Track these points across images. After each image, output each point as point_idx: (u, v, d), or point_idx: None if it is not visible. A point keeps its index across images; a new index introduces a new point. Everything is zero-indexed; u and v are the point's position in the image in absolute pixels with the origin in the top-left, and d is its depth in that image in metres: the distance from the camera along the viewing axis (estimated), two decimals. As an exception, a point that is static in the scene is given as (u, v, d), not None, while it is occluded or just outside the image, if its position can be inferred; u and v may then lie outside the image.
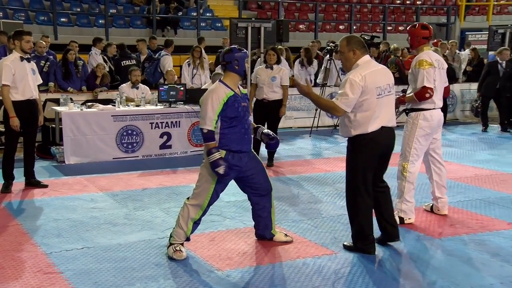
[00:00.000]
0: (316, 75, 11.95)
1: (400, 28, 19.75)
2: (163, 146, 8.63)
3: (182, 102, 8.80)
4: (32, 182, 6.67)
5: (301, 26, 18.19)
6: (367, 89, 4.32)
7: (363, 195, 4.47)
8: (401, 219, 5.33)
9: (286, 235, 4.91)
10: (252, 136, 4.69)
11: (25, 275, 4.14)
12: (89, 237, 4.97)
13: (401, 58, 12.22)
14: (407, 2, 21.32)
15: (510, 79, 11.06)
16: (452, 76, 10.59)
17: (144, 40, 11.58)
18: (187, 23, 16.38)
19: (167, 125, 8.61)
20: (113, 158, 8.26)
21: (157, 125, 8.54)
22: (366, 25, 19.34)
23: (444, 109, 7.48)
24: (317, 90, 10.24)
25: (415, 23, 5.83)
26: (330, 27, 18.82)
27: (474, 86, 12.22)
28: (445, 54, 12.02)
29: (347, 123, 4.46)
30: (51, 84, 9.74)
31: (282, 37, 12.45)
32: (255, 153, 4.73)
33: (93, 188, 6.66)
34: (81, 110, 8.26)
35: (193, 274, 4.19)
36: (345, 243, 4.75)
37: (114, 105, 8.55)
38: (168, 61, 10.71)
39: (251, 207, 4.80)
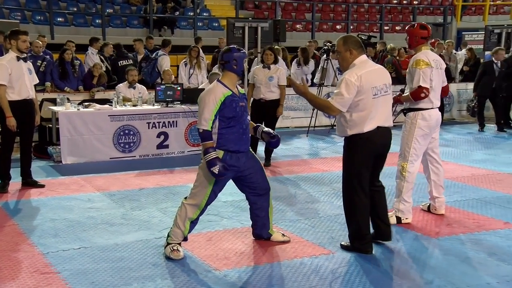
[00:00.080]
0: (313, 75, 11.96)
1: (397, 28, 19.77)
2: (160, 146, 8.62)
3: (179, 102, 8.81)
4: (29, 182, 6.66)
5: (298, 26, 18.19)
6: (363, 89, 4.33)
7: (360, 194, 4.48)
8: (399, 219, 5.33)
9: (283, 235, 4.91)
10: (251, 135, 4.68)
11: (22, 275, 4.14)
12: (86, 237, 4.96)
13: (397, 58, 12.25)
14: (404, 2, 21.35)
15: (506, 79, 11.08)
16: (448, 76, 10.60)
17: (141, 40, 11.56)
18: (184, 23, 16.38)
19: (164, 125, 8.61)
20: (110, 158, 8.25)
21: (154, 125, 8.53)
22: (363, 25, 19.36)
23: (442, 108, 7.49)
24: (314, 90, 10.25)
25: (414, 23, 5.84)
26: (327, 27, 18.83)
27: (471, 86, 12.23)
28: (441, 54, 12.03)
29: (343, 122, 4.47)
30: (48, 84, 9.73)
31: (279, 37, 12.48)
32: (253, 152, 4.72)
33: (90, 188, 6.65)
34: (78, 110, 8.26)
35: (191, 274, 4.18)
36: (342, 243, 4.76)
37: (111, 105, 8.54)
38: (165, 61, 10.73)
39: (248, 206, 4.79)
